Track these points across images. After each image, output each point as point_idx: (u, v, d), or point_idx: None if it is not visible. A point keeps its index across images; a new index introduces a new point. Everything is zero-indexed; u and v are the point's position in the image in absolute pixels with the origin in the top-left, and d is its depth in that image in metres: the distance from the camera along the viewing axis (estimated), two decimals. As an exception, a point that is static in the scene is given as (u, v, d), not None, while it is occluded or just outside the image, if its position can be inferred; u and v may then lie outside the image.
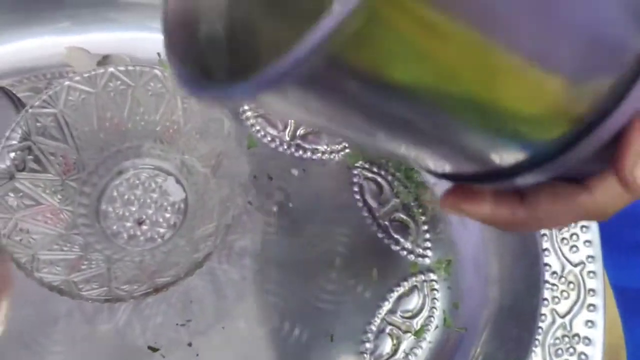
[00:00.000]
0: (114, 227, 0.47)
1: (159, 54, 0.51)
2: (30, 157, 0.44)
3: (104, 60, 0.53)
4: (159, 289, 0.39)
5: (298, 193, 0.49)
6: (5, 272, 0.48)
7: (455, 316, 0.46)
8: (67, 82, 0.45)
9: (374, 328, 0.45)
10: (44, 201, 0.44)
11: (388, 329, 0.46)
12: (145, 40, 0.53)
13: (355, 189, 0.49)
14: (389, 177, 0.50)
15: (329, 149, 0.51)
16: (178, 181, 0.48)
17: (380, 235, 0.48)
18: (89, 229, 0.46)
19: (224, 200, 0.43)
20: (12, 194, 0.43)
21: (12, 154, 0.43)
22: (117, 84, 0.47)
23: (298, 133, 0.51)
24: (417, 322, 0.46)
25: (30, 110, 0.44)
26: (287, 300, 0.46)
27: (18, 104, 0.46)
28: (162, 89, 0.47)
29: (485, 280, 0.46)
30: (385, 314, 0.46)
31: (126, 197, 0.48)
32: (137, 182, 0.48)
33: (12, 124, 0.44)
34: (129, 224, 0.47)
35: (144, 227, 0.47)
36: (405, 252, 0.48)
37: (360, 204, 0.49)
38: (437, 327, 0.46)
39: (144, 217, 0.47)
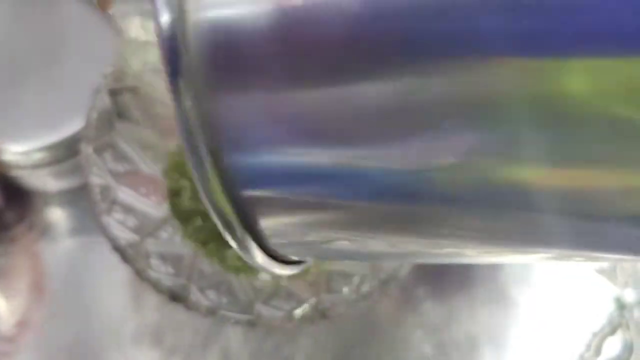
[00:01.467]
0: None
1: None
2: (135, 102, 0.31)
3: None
4: (326, 313, 0.27)
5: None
6: (38, 277, 0.35)
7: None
8: None
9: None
10: (144, 167, 0.32)
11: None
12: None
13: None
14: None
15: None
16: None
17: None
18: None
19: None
20: (110, 151, 0.30)
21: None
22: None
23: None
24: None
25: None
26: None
27: (115, 25, 0.33)
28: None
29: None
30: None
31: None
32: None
33: (115, 52, 0.31)
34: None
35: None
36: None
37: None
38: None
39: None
